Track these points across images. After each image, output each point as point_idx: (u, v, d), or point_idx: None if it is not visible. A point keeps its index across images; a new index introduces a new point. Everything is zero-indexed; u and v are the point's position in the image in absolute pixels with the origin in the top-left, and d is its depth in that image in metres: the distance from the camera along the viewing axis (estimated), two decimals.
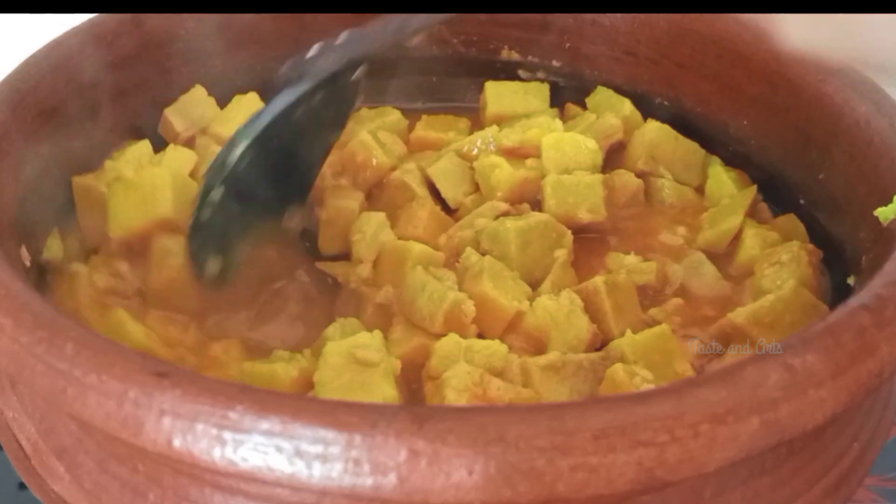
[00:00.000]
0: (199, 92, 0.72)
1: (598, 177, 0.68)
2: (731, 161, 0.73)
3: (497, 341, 0.58)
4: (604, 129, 0.72)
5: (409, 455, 0.40)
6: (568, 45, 0.77)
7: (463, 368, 0.55)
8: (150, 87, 0.71)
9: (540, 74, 0.79)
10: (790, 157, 0.68)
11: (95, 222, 0.64)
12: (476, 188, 0.71)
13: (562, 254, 0.64)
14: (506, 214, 0.67)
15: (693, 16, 0.72)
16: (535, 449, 0.40)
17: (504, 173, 0.69)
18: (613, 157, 0.73)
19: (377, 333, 0.57)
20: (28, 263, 0.59)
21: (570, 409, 0.41)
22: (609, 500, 0.43)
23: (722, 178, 0.71)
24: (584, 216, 0.67)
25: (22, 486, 0.62)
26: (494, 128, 0.73)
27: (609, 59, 0.76)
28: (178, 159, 0.67)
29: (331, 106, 0.63)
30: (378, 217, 0.66)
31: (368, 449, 0.40)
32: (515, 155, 0.71)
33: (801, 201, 0.68)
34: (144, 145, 0.68)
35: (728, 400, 0.42)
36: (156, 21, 0.70)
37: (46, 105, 0.63)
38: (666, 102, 0.75)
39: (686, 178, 0.72)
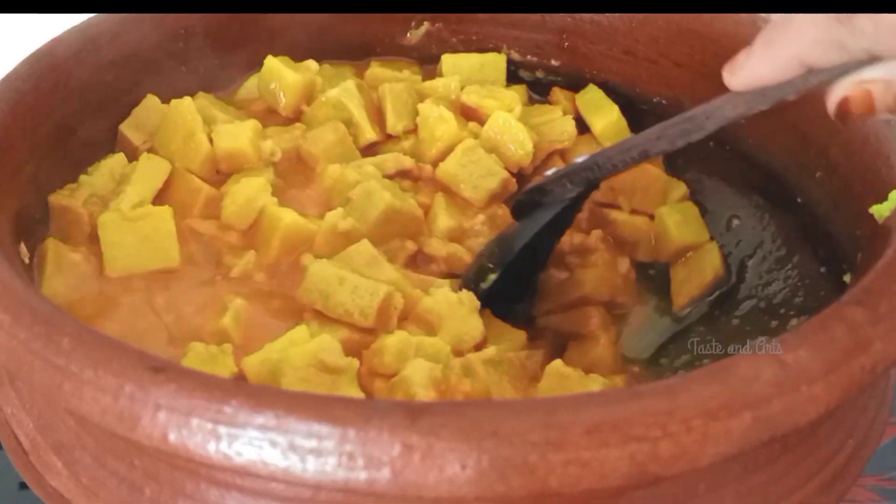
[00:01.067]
0: (151, 101, 0.71)
1: (504, 173, 0.69)
2: (728, 160, 0.72)
3: (439, 339, 0.59)
4: (555, 133, 0.73)
5: (403, 449, 0.40)
6: (567, 44, 0.77)
7: (423, 365, 0.55)
8: (149, 85, 0.71)
9: (539, 74, 0.79)
10: (788, 155, 0.68)
11: (71, 240, 0.64)
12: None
13: (410, 246, 0.66)
14: (404, 175, 0.69)
15: (691, 15, 0.72)
16: (529, 443, 0.40)
17: (450, 129, 0.70)
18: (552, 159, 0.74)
19: (331, 335, 0.57)
20: (27, 260, 0.59)
21: (563, 404, 0.42)
22: (602, 494, 0.43)
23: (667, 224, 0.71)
24: (467, 193, 0.68)
25: (22, 485, 0.62)
26: (457, 78, 0.74)
27: (607, 59, 0.76)
28: (154, 170, 0.66)
29: (561, 219, 0.66)
30: (257, 182, 0.66)
31: (362, 443, 0.40)
32: (463, 113, 0.72)
33: (799, 199, 0.68)
34: (119, 158, 0.67)
35: (720, 395, 0.42)
36: (155, 20, 0.71)
37: (46, 104, 0.63)
38: (664, 102, 0.75)
39: (643, 204, 0.72)
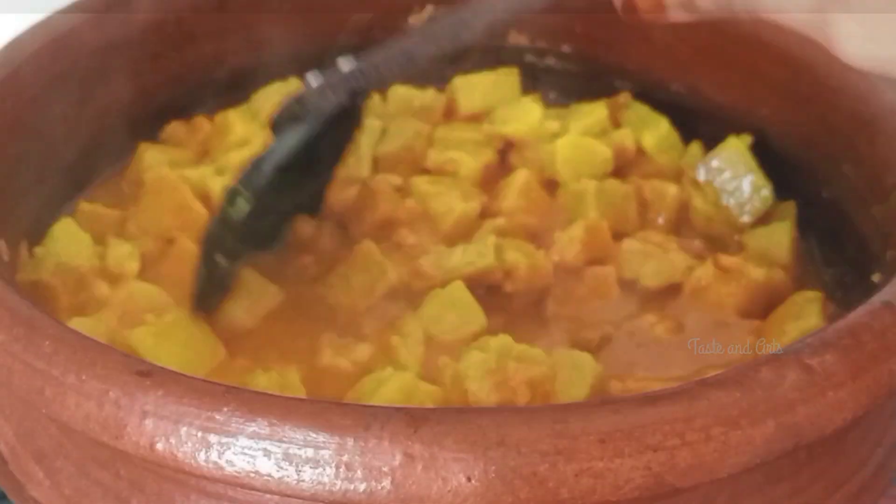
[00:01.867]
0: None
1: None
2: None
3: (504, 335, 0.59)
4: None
5: (404, 459, 0.40)
6: (579, 29, 0.77)
7: (477, 357, 0.56)
8: (138, 73, 0.71)
9: (549, 60, 0.79)
10: (813, 147, 0.68)
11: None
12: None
13: None
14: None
15: None
16: (538, 453, 0.40)
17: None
18: None
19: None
20: (7, 258, 0.59)
21: (574, 411, 0.41)
22: None
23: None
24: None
25: (1, 496, 0.62)
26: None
27: (622, 44, 0.76)
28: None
29: (334, 135, 0.65)
30: None
31: (361, 453, 0.40)
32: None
33: (825, 194, 0.68)
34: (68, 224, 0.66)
35: (742, 402, 0.42)
36: (145, 4, 0.71)
37: (27, 93, 0.63)
38: (682, 89, 0.75)
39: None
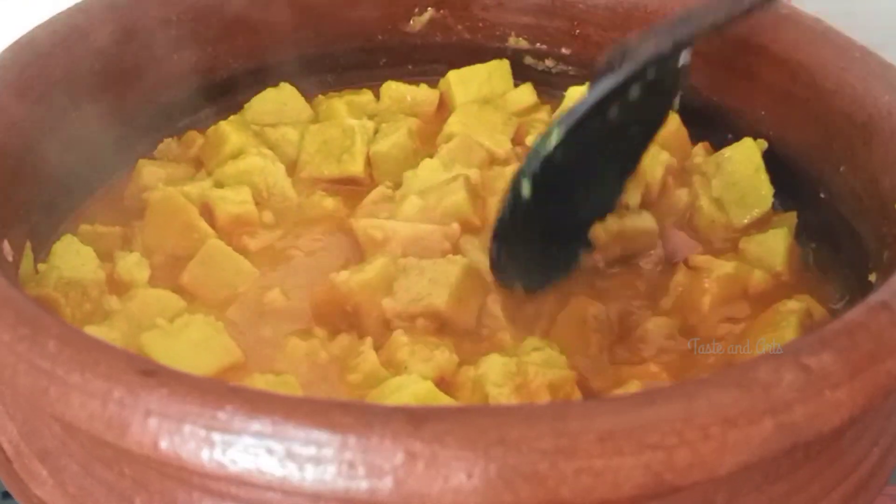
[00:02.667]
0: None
1: None
2: None
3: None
4: None
5: (406, 457, 0.40)
6: (578, 31, 0.78)
7: (497, 360, 0.56)
8: (140, 75, 0.71)
9: (548, 62, 0.79)
10: (810, 148, 0.68)
11: None
12: None
13: None
14: None
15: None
16: (538, 451, 0.40)
17: None
18: None
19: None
20: (10, 258, 0.59)
21: (574, 410, 0.42)
22: None
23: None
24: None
25: (5, 494, 0.62)
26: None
27: None
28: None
29: (650, 98, 0.60)
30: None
31: (363, 451, 0.40)
32: None
33: (822, 195, 0.68)
34: (70, 241, 0.65)
35: (740, 401, 0.42)
36: (143, 5, 0.71)
37: (31, 94, 0.63)
38: (682, 93, 0.75)
39: None
